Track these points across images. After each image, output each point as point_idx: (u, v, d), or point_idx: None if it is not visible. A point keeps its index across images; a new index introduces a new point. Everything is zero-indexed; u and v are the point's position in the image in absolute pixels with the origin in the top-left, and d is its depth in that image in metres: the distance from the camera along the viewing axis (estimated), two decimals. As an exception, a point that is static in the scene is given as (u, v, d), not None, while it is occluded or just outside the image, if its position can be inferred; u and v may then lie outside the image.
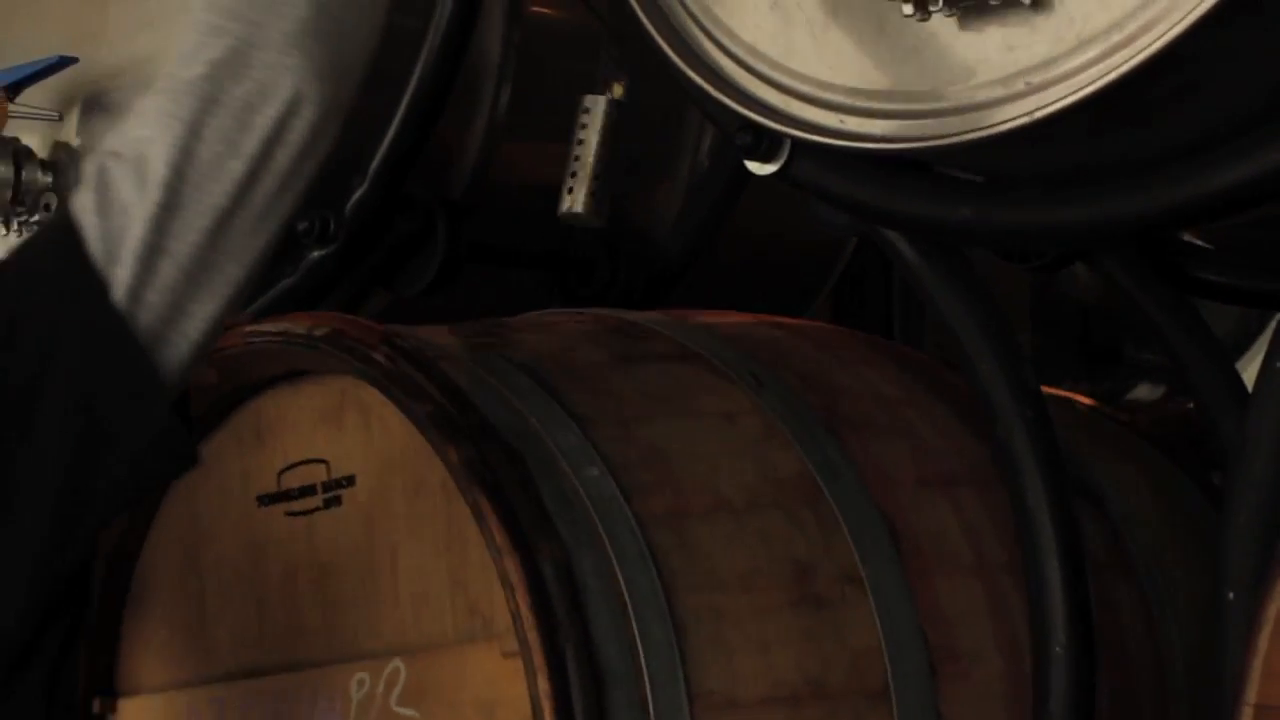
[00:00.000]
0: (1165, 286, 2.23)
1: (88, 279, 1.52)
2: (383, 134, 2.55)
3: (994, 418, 2.05)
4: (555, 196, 2.33)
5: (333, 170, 2.46)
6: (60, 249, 1.54)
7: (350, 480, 2.12)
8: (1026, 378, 2.08)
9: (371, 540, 2.10)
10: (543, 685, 1.85)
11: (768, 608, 2.01)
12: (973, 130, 1.72)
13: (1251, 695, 1.59)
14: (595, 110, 2.09)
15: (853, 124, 1.81)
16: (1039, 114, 1.66)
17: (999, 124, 1.69)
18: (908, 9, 1.71)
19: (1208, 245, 2.28)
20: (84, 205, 1.55)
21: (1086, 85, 1.63)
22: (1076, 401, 2.75)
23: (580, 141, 2.09)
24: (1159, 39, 1.59)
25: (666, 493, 2.03)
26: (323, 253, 2.54)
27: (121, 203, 1.53)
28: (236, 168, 1.55)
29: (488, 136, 2.63)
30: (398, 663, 2.03)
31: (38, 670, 1.57)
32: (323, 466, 2.12)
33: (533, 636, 1.86)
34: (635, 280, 2.61)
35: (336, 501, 2.12)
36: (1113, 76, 1.61)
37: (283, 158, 1.57)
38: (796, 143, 1.88)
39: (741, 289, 2.71)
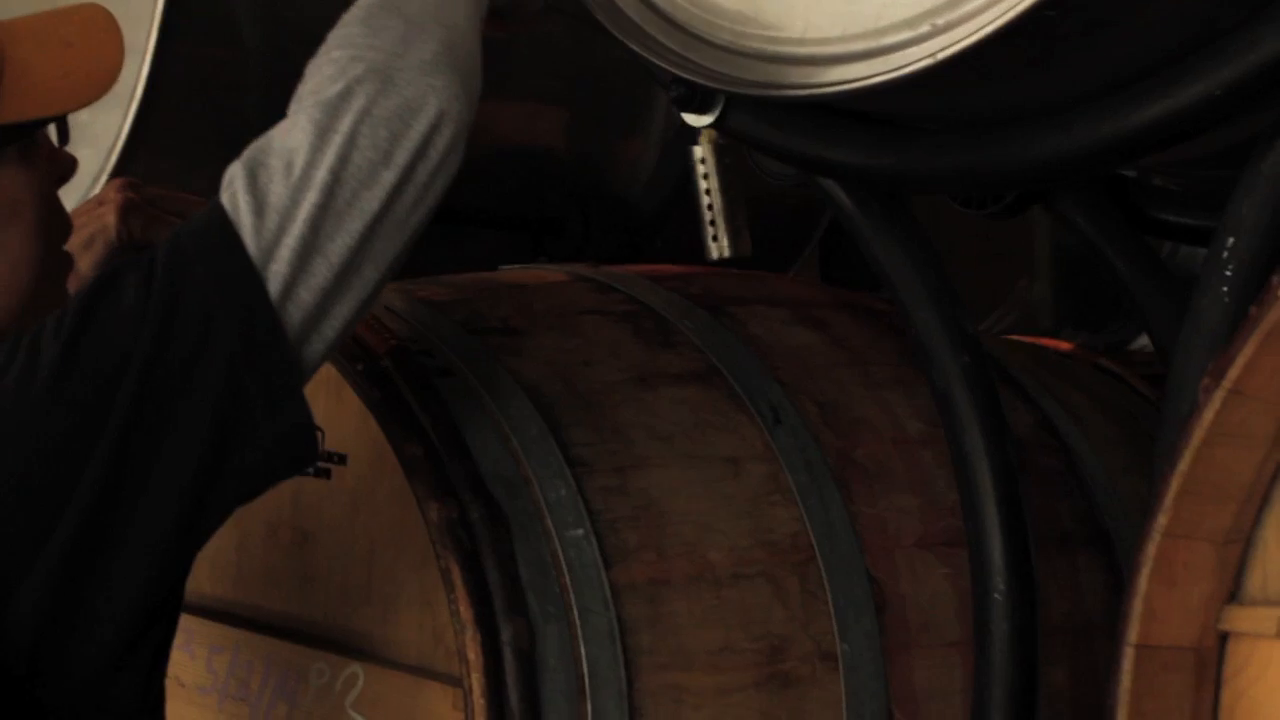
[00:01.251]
0: (1123, 228, 2.25)
1: (247, 274, 1.59)
2: None
3: (930, 364, 2.06)
4: (527, 157, 2.28)
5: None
6: (218, 244, 1.61)
7: (342, 459, 2.09)
8: (964, 324, 2.08)
9: (353, 526, 2.09)
10: (483, 768, 1.86)
11: (731, 687, 2.00)
12: (879, 74, 1.73)
13: (1133, 635, 1.61)
14: (708, 159, 2.08)
15: (767, 73, 1.83)
16: (941, 55, 1.68)
17: (904, 66, 1.71)
18: (819, -45, 1.75)
19: (1169, 186, 2.32)
20: (238, 205, 1.61)
21: (989, 23, 1.64)
22: (1053, 349, 2.70)
23: (706, 191, 2.10)
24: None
25: (650, 557, 2.00)
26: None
27: (277, 204, 1.60)
28: (388, 176, 1.63)
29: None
30: (357, 668, 2.04)
31: (142, 657, 1.65)
32: (319, 434, 2.08)
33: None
34: (609, 238, 2.53)
35: (326, 474, 2.10)
36: (1012, 14, 1.62)
37: (424, 171, 1.65)
38: (730, 94, 1.91)
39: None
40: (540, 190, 2.59)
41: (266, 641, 2.13)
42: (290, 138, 1.63)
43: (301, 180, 1.61)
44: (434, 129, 1.65)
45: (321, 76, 1.67)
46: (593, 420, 2.04)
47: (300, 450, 1.68)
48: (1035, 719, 2.06)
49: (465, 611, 1.88)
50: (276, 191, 1.61)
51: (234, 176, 1.63)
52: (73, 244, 1.95)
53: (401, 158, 1.64)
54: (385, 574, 2.05)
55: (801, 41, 1.81)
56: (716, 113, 1.96)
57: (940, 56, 1.67)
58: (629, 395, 2.08)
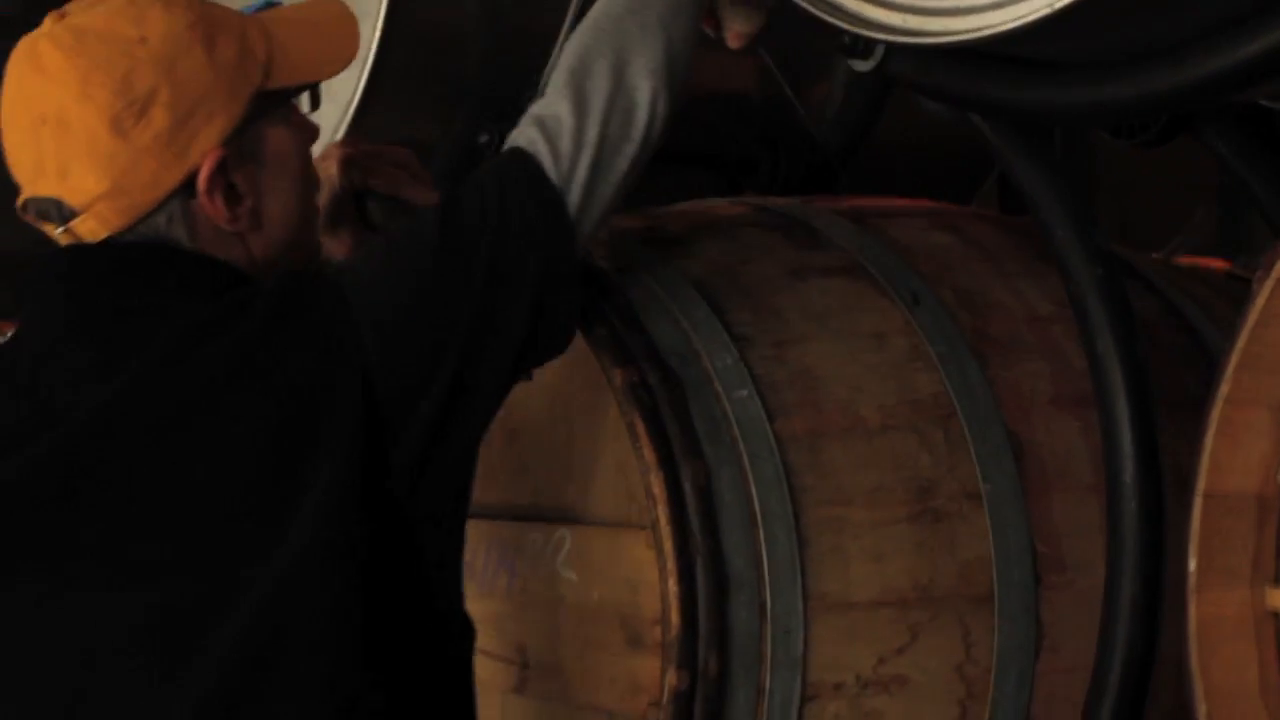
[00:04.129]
0: (1263, 155, 2.62)
1: (556, 197, 2.23)
2: (551, 51, 2.93)
3: (1068, 276, 2.47)
4: (724, 101, 2.78)
5: (508, 88, 2.94)
6: (533, 175, 2.23)
7: (541, 361, 2.54)
8: (1098, 240, 2.49)
9: (553, 417, 2.55)
10: (672, 586, 2.30)
11: (887, 521, 2.41)
12: (1010, 22, 2.12)
13: (1202, 485, 2.02)
14: None
15: (914, 22, 2.25)
16: (1060, 4, 2.06)
17: (1029, 15, 2.09)
18: (957, -78, 2.13)
19: None
20: (538, 150, 2.24)
21: None
22: (1211, 269, 3.06)
23: None
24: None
25: (808, 413, 2.43)
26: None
27: (565, 154, 2.24)
28: (629, 149, 2.28)
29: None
30: (564, 531, 2.50)
31: (466, 491, 2.26)
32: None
33: (668, 546, 2.30)
34: (796, 174, 2.95)
35: (528, 376, 2.55)
36: None
37: (647, 146, 2.30)
38: (888, 43, 2.33)
39: (907, 176, 3.04)
40: (735, 131, 3.03)
41: (489, 525, 2.60)
42: (563, 121, 2.25)
43: (578, 141, 2.24)
44: (651, 119, 2.28)
45: (579, 63, 2.28)
46: (752, 305, 2.49)
47: (574, 323, 2.30)
48: (1164, 553, 2.43)
49: (649, 455, 2.32)
50: (564, 145, 2.23)
51: (531, 138, 2.25)
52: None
53: (635, 135, 2.27)
54: (583, 453, 2.51)
55: None
56: (877, 59, 2.39)
57: (1058, 5, 2.07)
58: (783, 285, 2.53)
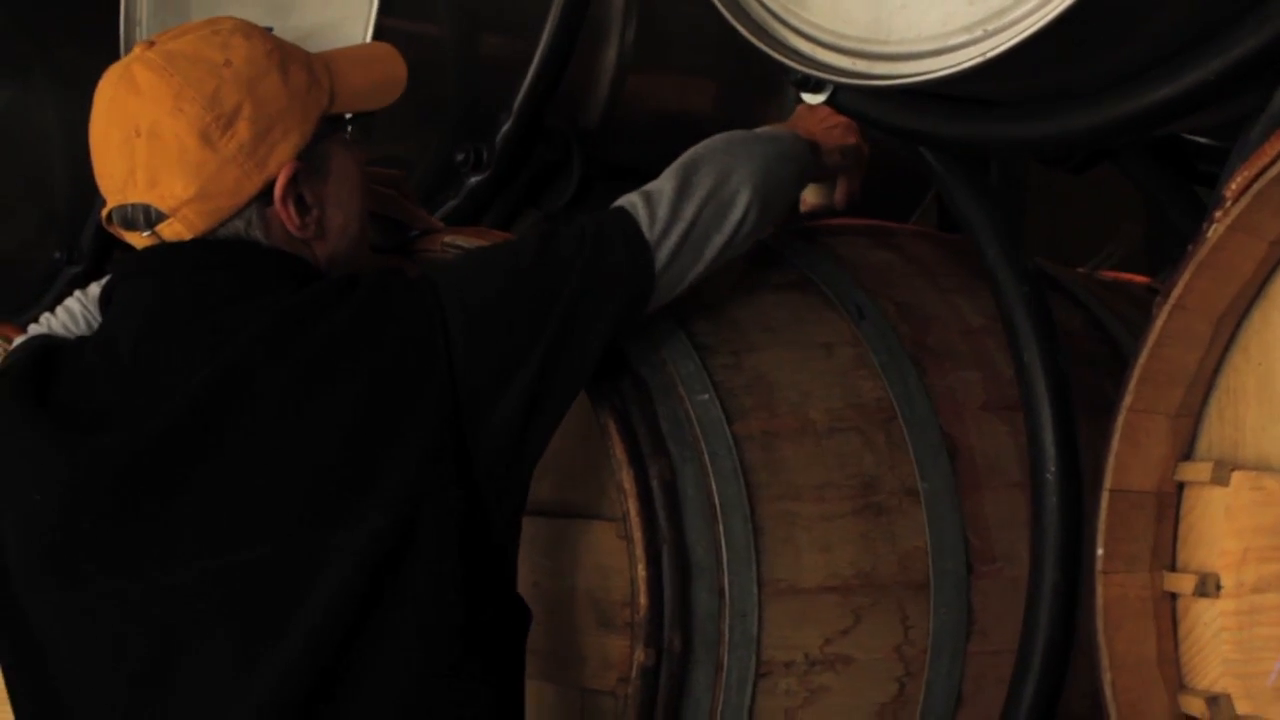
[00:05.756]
0: (1174, 180, 2.98)
1: (645, 249, 2.58)
2: (523, 76, 3.29)
3: (998, 292, 2.80)
4: (677, 121, 3.02)
5: (483, 109, 3.22)
6: (630, 231, 2.58)
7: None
8: (1025, 261, 2.82)
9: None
10: (641, 572, 2.61)
11: (834, 514, 2.73)
12: (945, 68, 2.47)
13: (1108, 483, 2.33)
14: None
15: (862, 66, 2.59)
16: (990, 54, 2.39)
17: (963, 62, 2.43)
18: (899, -21, 2.44)
19: (1215, 144, 3.00)
20: (637, 213, 2.59)
21: (1027, 29, 2.31)
22: (1133, 283, 3.41)
23: None
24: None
25: (763, 415, 2.74)
26: (479, 179, 3.33)
27: (661, 219, 2.59)
28: (717, 238, 2.65)
29: (616, 72, 3.39)
30: (541, 522, 2.81)
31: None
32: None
33: (637, 535, 2.61)
34: None
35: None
36: (1044, 22, 2.29)
37: (736, 239, 2.68)
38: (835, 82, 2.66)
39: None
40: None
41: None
42: (665, 194, 2.61)
43: (674, 216, 2.59)
44: (742, 219, 2.65)
45: (691, 160, 2.67)
46: (713, 318, 2.80)
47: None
48: (1082, 545, 2.75)
49: (620, 453, 2.64)
50: (661, 214, 2.58)
51: (633, 202, 2.59)
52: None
53: (726, 227, 2.63)
54: (558, 452, 2.80)
55: (887, 43, 2.57)
56: (827, 94, 2.72)
57: (989, 55, 2.39)
58: (741, 300, 2.84)
